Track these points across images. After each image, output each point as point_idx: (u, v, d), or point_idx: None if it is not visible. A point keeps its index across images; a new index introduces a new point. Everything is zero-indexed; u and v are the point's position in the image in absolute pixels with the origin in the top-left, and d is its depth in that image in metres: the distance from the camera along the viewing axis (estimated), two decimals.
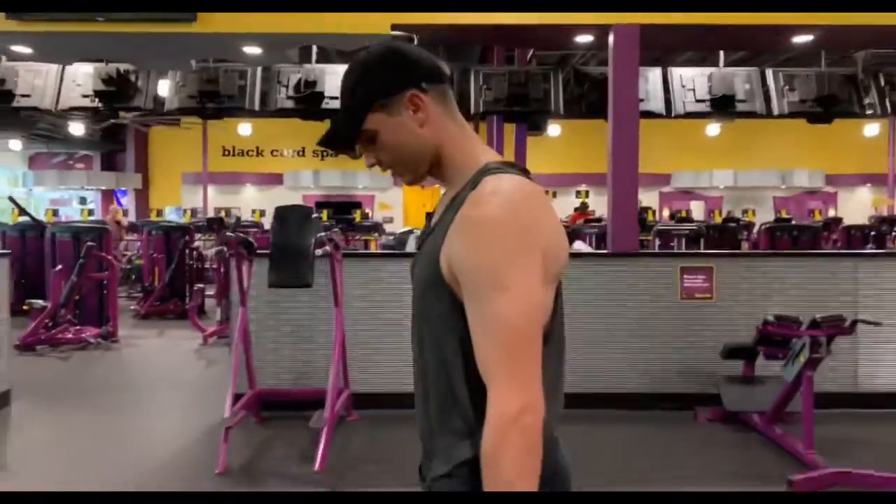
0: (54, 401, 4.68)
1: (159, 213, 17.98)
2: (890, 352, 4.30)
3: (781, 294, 4.30)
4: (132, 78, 8.02)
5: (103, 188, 20.71)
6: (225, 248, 3.95)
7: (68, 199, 21.66)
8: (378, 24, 4.29)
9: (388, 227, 16.29)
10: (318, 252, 3.73)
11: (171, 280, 8.32)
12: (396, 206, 21.19)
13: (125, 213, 16.76)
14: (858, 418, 4.08)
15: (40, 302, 6.63)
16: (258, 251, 3.94)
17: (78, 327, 6.66)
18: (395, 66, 1.05)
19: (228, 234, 4.00)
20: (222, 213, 16.66)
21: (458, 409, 1.01)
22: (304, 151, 20.58)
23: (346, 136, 1.08)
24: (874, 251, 7.53)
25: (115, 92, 7.95)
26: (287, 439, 3.76)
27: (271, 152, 20.66)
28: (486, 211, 0.96)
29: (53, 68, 7.98)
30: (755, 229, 11.16)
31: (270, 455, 3.59)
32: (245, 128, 18.21)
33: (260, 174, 20.42)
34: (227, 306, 7.22)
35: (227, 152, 20.40)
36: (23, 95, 8.04)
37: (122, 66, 7.91)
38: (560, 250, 1.02)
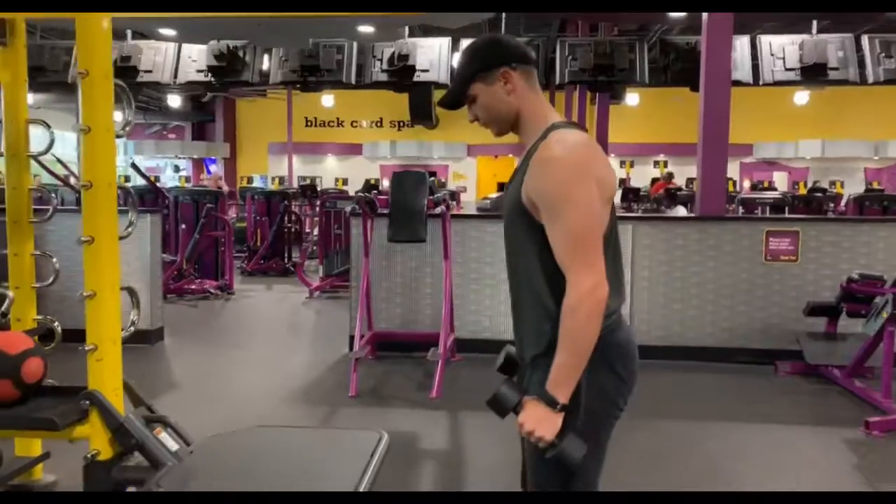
0: (197, 338, 5.42)
1: (249, 180, 19.09)
2: None
3: (866, 258, 4.47)
4: (240, 54, 8.71)
5: (195, 157, 22.06)
6: (356, 206, 4.48)
7: (163, 166, 23.19)
8: None
9: (462, 196, 16.70)
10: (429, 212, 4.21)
11: (273, 241, 9.09)
12: (470, 176, 21.58)
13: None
14: None
15: (168, 256, 7.46)
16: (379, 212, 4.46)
17: (199, 280, 7.47)
18: (493, 50, 1.51)
19: (360, 194, 4.52)
20: (307, 181, 17.50)
21: (542, 306, 1.42)
22: (381, 122, 21.20)
23: (456, 97, 1.54)
24: None
25: (226, 67, 8.67)
26: (402, 373, 4.31)
27: (351, 123, 21.38)
28: (555, 153, 1.38)
29: (171, 46, 8.76)
30: (843, 201, 10.93)
31: (391, 384, 4.14)
32: (328, 99, 18.91)
33: (340, 144, 21.20)
34: (329, 263, 7.91)
35: (309, 123, 21.27)
36: (145, 71, 8.91)
37: (232, 43, 8.59)
38: (609, 180, 1.43)
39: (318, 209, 8.95)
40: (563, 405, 1.36)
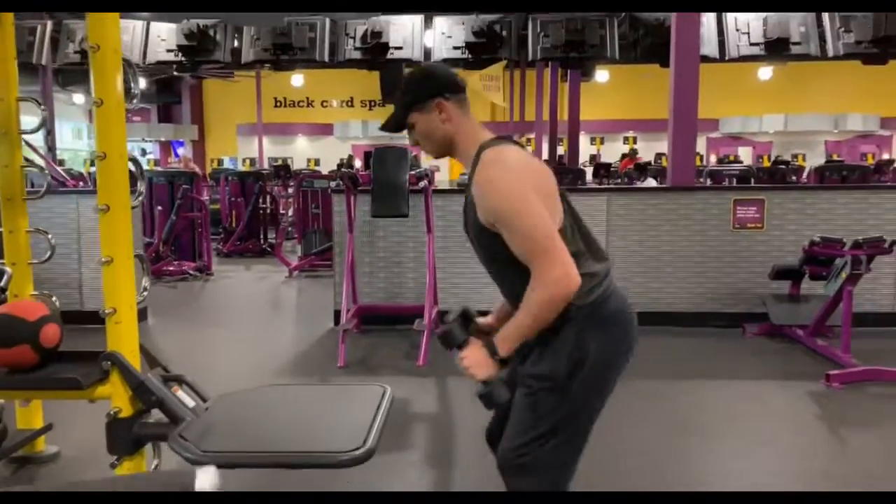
0: (180, 317, 5.46)
1: (219, 162, 18.86)
2: None
3: (828, 224, 4.70)
4: (211, 33, 8.60)
5: (162, 139, 21.68)
6: (340, 182, 4.55)
7: (129, 150, 22.76)
8: None
9: (437, 176, 16.76)
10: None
11: (249, 222, 9.08)
12: (427, 154, 21.56)
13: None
14: (894, 335, 4.53)
15: (145, 238, 7.43)
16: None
17: (177, 261, 7.46)
18: (427, 82, 1.69)
19: (342, 171, 4.58)
20: (279, 162, 17.38)
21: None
22: (352, 102, 21.08)
23: (397, 125, 1.72)
24: None
25: (196, 46, 8.57)
26: (388, 344, 4.43)
27: (321, 103, 21.19)
28: (490, 174, 1.56)
29: (139, 25, 8.60)
30: (805, 173, 11.30)
31: (378, 354, 4.26)
32: (297, 79, 18.72)
33: (311, 124, 21.03)
34: (307, 243, 7.95)
35: (279, 103, 21.04)
36: None
37: (202, 22, 8.48)
38: (543, 180, 1.61)
39: (293, 189, 8.95)
40: (501, 358, 1.56)
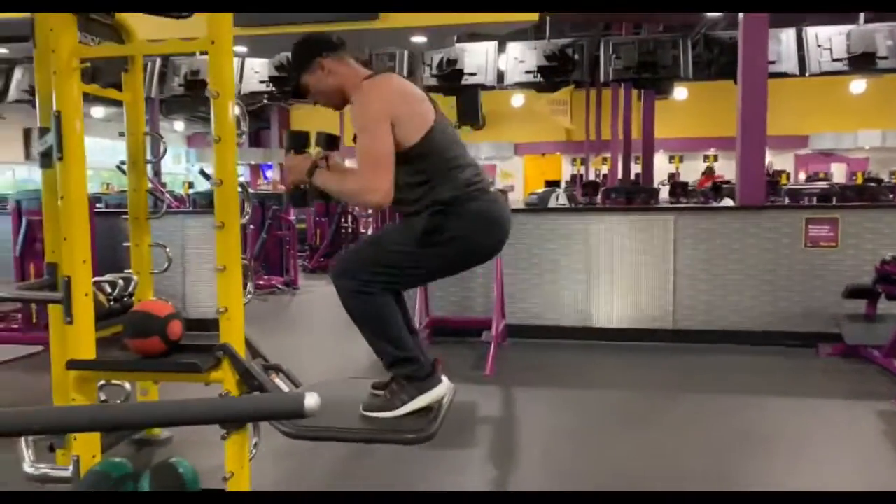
0: (273, 327, 5.93)
1: None
2: None
3: None
4: None
5: (252, 163, 23.04)
6: None
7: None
8: (528, 14, 4.99)
9: (510, 195, 16.99)
10: None
11: (332, 239, 9.64)
12: (517, 174, 21.80)
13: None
14: None
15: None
16: None
17: (267, 276, 8.04)
18: (305, 49, 2.10)
19: None
20: None
21: (401, 194, 1.98)
22: None
23: (295, 92, 2.18)
24: None
25: (286, 77, 9.24)
26: (457, 355, 4.68)
27: None
28: (358, 100, 1.96)
29: (237, 61, 9.40)
30: None
31: (448, 364, 4.50)
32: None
33: None
34: None
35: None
36: None
37: (289, 55, 9.17)
38: (408, 103, 1.98)
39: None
40: (310, 182, 2.03)
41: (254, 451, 2.14)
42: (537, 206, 6.19)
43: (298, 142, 2.12)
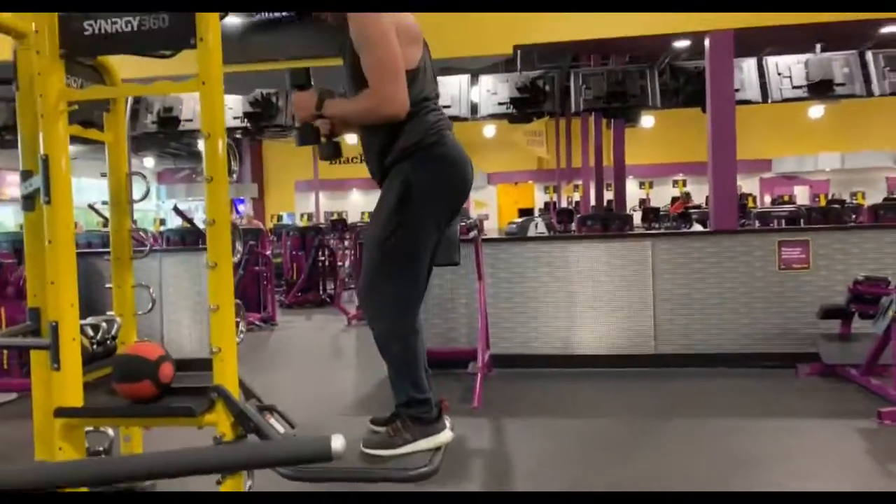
0: (251, 362, 5.83)
1: (278, 218, 19.76)
2: None
3: (875, 263, 4.74)
4: (273, 99, 9.31)
5: None
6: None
7: (194, 208, 24.07)
8: (501, 45, 5.11)
9: (485, 224, 17.12)
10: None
11: (309, 274, 9.56)
12: (491, 204, 22.00)
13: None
14: None
15: None
16: None
17: (244, 312, 7.93)
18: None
19: None
20: (335, 215, 18.08)
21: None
22: None
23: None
24: None
25: (261, 113, 9.27)
26: (443, 387, 4.62)
27: None
28: (355, 17, 1.98)
29: None
30: (864, 211, 11.08)
31: (434, 396, 4.48)
32: (351, 137, 19.60)
33: (365, 179, 21.69)
34: None
35: (334, 160, 22.00)
36: (186, 120, 9.55)
37: (265, 91, 9.20)
38: (408, 28, 2.04)
39: (350, 242, 9.41)
40: (320, 114, 2.05)
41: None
42: (517, 235, 6.25)
43: (300, 78, 2.14)
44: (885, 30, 7.01)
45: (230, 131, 9.88)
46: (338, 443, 0.84)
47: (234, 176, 3.83)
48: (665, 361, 4.90)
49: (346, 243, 11.93)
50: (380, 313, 2.00)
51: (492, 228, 18.68)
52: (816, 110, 16.11)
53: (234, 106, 9.45)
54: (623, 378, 4.77)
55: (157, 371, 1.98)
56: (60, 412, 1.96)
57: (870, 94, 8.57)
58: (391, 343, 2.01)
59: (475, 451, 3.46)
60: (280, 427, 2.00)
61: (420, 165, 2.00)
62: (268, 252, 9.33)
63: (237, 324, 2.02)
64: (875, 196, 17.03)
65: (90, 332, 2.66)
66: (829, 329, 4.62)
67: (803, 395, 4.20)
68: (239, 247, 2.03)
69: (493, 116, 8.86)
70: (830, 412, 3.86)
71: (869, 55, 8.53)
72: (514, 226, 7.16)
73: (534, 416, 4.00)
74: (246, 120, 9.31)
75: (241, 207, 22.77)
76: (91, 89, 2.31)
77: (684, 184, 18.16)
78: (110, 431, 2.73)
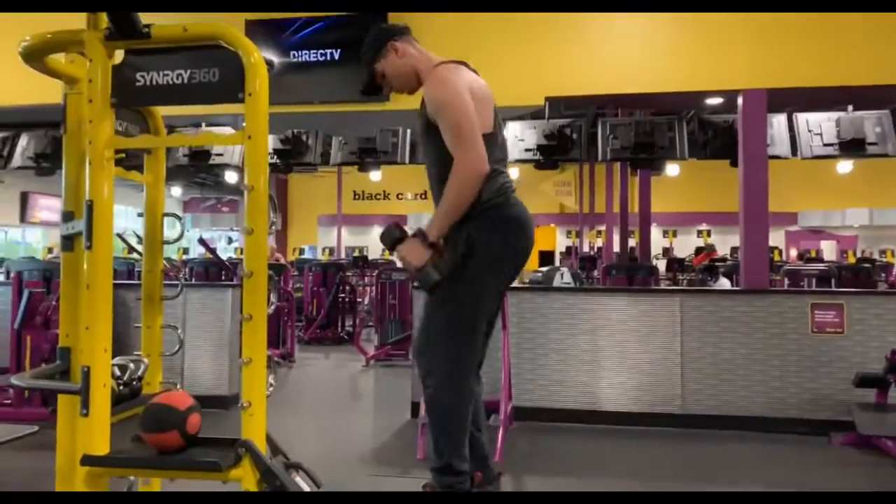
0: (272, 403, 5.78)
1: (301, 251, 19.94)
2: None
3: None
4: (304, 138, 9.48)
5: None
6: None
7: (218, 238, 24.37)
8: (533, 97, 5.16)
9: None
10: None
11: (329, 310, 9.56)
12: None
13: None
14: None
15: None
16: None
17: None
18: (379, 35, 2.18)
19: None
20: (357, 251, 18.18)
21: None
22: (425, 195, 22.04)
23: (371, 84, 2.21)
24: None
25: (291, 150, 9.43)
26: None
27: (397, 196, 22.29)
28: (432, 77, 2.04)
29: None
30: (895, 270, 10.86)
31: None
32: (375, 174, 19.84)
33: (386, 215, 22.02)
34: (383, 331, 8.27)
35: (357, 196, 22.27)
36: (217, 154, 9.75)
37: (297, 130, 9.38)
38: (479, 87, 2.08)
39: (372, 279, 9.41)
40: (432, 242, 1.93)
41: None
42: (542, 285, 6.20)
43: (394, 233, 2.10)
44: None
45: None
46: None
47: (274, 228, 3.90)
48: (692, 422, 4.76)
49: (367, 279, 11.95)
50: (435, 371, 1.97)
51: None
52: (844, 165, 15.95)
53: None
54: (647, 437, 4.64)
55: (186, 422, 1.96)
56: (87, 461, 1.94)
57: None
58: (442, 402, 1.96)
59: None
60: (305, 486, 1.96)
61: (485, 225, 1.99)
62: (289, 287, 9.39)
63: (268, 376, 2.00)
64: None
65: (118, 372, 2.66)
66: (865, 398, 4.46)
67: (836, 467, 4.04)
68: (273, 298, 2.03)
69: (520, 161, 8.90)
70: (864, 487, 3.70)
71: None
72: (540, 275, 7.12)
73: (556, 475, 3.89)
74: (276, 157, 9.46)
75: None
76: (140, 138, 2.35)
77: (708, 234, 18.00)
78: (132, 476, 2.70)
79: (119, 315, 2.93)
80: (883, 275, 10.27)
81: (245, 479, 1.88)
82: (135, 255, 3.18)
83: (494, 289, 2.05)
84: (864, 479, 3.85)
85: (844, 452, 4.29)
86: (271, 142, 9.73)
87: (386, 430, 4.84)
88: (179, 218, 3.08)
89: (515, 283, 11.03)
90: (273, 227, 2.03)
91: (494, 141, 2.07)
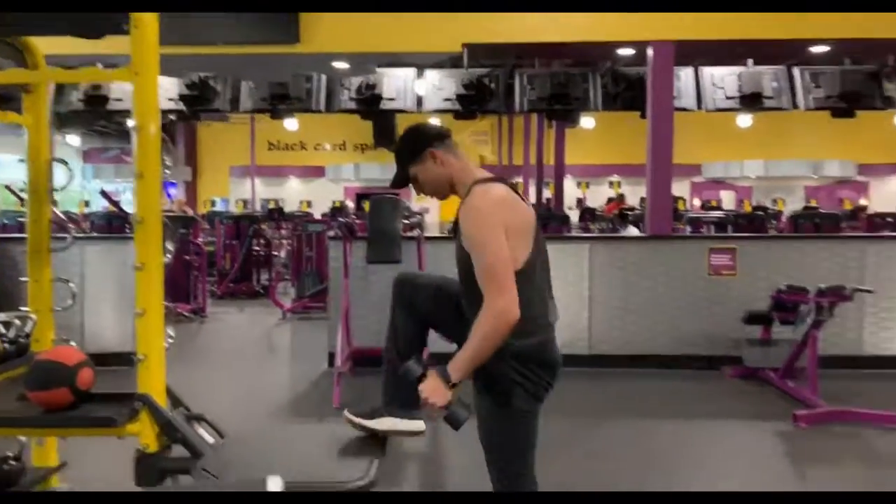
0: (176, 358, 5.52)
1: (212, 203, 19.11)
2: (893, 321, 4.98)
3: (797, 271, 4.97)
4: (211, 83, 8.95)
5: None
6: (338, 231, 4.80)
7: (122, 190, 22.97)
8: (451, 43, 5.08)
9: (426, 217, 17.08)
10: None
11: (243, 264, 9.28)
12: (433, 198, 21.90)
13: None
14: (861, 377, 4.77)
15: None
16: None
17: (172, 303, 7.62)
18: (417, 139, 2.02)
19: (340, 219, 4.85)
20: (271, 203, 17.65)
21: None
22: (344, 145, 21.51)
23: (402, 181, 2.06)
24: (879, 235, 8.09)
25: (197, 96, 8.90)
26: (379, 386, 4.60)
27: (314, 146, 21.63)
28: (471, 204, 1.86)
29: None
30: (783, 218, 11.69)
31: (372, 395, 4.41)
32: (291, 123, 19.12)
33: (303, 167, 21.40)
34: (300, 286, 8.14)
35: (272, 146, 21.43)
36: (116, 99, 9.06)
37: (203, 74, 8.83)
38: (518, 222, 1.87)
39: (289, 232, 9.19)
40: (454, 383, 1.83)
41: None
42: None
43: (416, 370, 1.91)
44: (813, 48, 7.36)
45: (163, 114, 9.45)
46: (274, 485, 0.79)
47: (169, 172, 3.63)
48: (599, 362, 5.01)
49: (283, 233, 11.65)
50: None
51: (433, 223, 18.66)
52: (744, 119, 16.82)
53: (168, 87, 9.03)
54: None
55: (76, 378, 1.85)
56: None
57: (795, 107, 9.03)
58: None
59: (411, 452, 3.44)
60: (209, 437, 1.92)
61: (518, 370, 1.88)
62: (199, 240, 9.02)
63: (165, 328, 1.91)
64: (794, 203, 18.00)
65: (2, 329, 2.48)
66: (753, 334, 4.83)
67: (725, 397, 4.39)
68: (170, 246, 1.92)
69: (438, 111, 8.82)
70: (750, 414, 4.05)
71: (796, 71, 8.98)
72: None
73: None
74: (181, 102, 8.91)
75: (172, 192, 21.88)
76: (9, 72, 2.13)
77: (619, 185, 18.66)
78: (22, 438, 2.56)
79: (4, 269, 2.72)
80: (774, 222, 11.02)
81: (143, 433, 1.81)
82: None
83: (531, 419, 1.97)
84: (750, 406, 4.20)
85: (734, 384, 4.66)
86: (175, 87, 9.14)
87: (303, 380, 4.82)
88: (66, 163, 2.85)
89: (433, 229, 10.98)
90: (167, 171, 1.91)
91: (538, 264, 1.89)
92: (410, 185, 2.06)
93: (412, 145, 2.02)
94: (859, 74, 8.74)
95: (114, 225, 9.40)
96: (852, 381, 4.62)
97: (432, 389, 1.83)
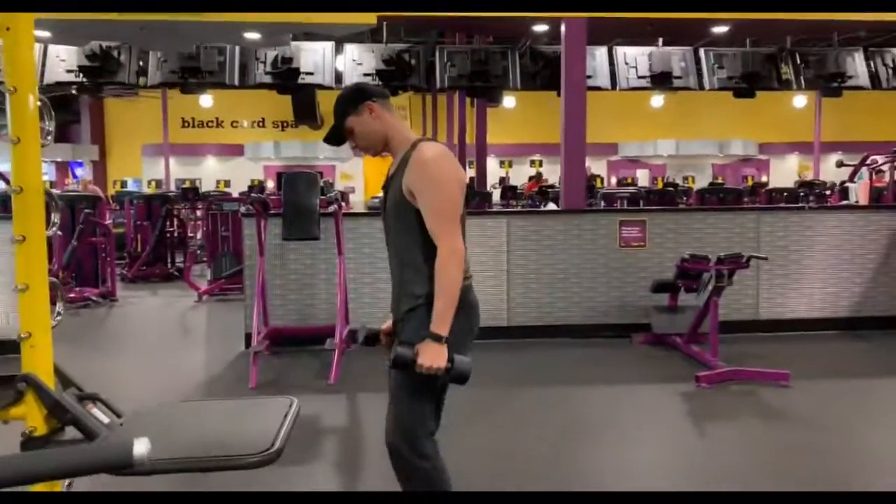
0: (84, 344, 5.31)
1: (123, 184, 18.11)
2: (786, 287, 5.35)
3: (700, 241, 5.26)
4: (115, 54, 8.43)
5: (59, 160, 20.53)
6: (250, 207, 4.65)
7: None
8: (364, 15, 4.98)
9: (351, 197, 16.86)
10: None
11: (155, 246, 8.87)
12: (357, 176, 21.67)
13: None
14: (757, 340, 5.12)
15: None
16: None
17: (79, 288, 7.21)
18: (356, 92, 2.08)
19: (253, 195, 4.69)
20: (187, 183, 16.92)
21: (419, 272, 1.96)
22: (263, 122, 20.84)
23: (337, 135, 2.10)
24: (774, 206, 8.72)
25: (99, 67, 8.37)
26: (300, 365, 4.55)
27: (231, 124, 20.83)
28: (427, 156, 1.93)
29: (38, 47, 8.30)
30: (693, 194, 12.29)
31: (290, 375, 4.37)
32: (206, 99, 18.32)
33: (220, 145, 20.59)
34: (216, 267, 7.87)
35: (186, 124, 20.48)
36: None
37: (106, 44, 8.30)
38: (463, 179, 2.03)
39: (202, 212, 8.84)
40: (446, 337, 1.86)
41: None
42: (380, 210, 6.22)
43: (407, 357, 1.89)
44: (716, 29, 7.70)
45: (62, 86, 8.83)
46: (141, 447, 0.76)
47: (49, 138, 3.36)
48: (517, 333, 5.13)
49: (199, 213, 11.21)
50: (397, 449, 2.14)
51: (358, 202, 18.44)
52: (657, 100, 17.50)
53: (67, 58, 8.44)
54: (477, 349, 4.92)
55: None
56: None
57: (701, 87, 9.47)
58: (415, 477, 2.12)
59: (327, 428, 3.42)
60: (105, 417, 1.83)
61: (458, 310, 1.92)
62: (107, 221, 8.53)
63: (54, 304, 1.79)
64: (703, 180, 18.96)
65: None
66: (660, 302, 5.07)
67: (635, 363, 4.60)
68: (55, 218, 1.80)
69: None
70: (657, 377, 4.26)
71: (702, 52, 9.40)
72: (378, 200, 7.12)
73: (384, 386, 4.01)
74: (82, 74, 8.36)
75: (78, 171, 20.59)
76: None
77: (540, 164, 19.03)
78: None
79: None
80: (685, 198, 11.57)
81: (29, 415, 1.71)
82: None
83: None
84: (657, 370, 4.42)
85: (643, 350, 4.89)
86: (75, 58, 8.56)
87: (219, 362, 4.69)
88: None
89: (358, 208, 10.92)
90: (48, 137, 1.78)
91: (463, 219, 1.97)
92: (347, 141, 2.08)
93: (350, 97, 2.04)
94: (759, 56, 9.26)
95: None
96: (750, 344, 4.94)
97: (431, 357, 1.85)
